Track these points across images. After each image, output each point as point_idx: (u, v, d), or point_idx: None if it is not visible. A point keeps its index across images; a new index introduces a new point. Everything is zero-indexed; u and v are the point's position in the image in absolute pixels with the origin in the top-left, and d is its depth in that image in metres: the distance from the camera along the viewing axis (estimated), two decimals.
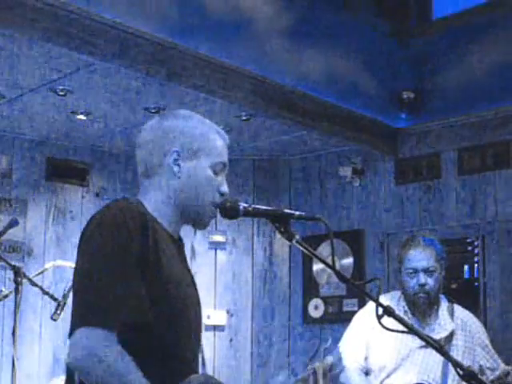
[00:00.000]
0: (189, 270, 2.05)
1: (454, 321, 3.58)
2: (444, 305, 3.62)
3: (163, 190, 2.00)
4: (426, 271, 3.51)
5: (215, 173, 2.03)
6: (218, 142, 2.05)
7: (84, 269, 1.83)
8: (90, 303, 1.78)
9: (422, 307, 3.53)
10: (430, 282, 3.51)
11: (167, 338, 1.87)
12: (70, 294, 3.95)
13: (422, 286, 3.50)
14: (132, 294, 1.79)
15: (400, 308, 3.54)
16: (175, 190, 1.99)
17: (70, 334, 1.78)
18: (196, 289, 2.05)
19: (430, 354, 3.42)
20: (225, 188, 2.04)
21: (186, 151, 2.00)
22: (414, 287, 3.51)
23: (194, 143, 2.01)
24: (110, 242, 1.81)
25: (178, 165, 1.99)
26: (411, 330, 1.89)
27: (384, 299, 3.41)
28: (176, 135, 2.01)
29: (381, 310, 1.88)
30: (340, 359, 2.38)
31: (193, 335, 1.97)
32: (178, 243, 2.04)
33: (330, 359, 2.35)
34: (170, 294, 1.88)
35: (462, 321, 3.60)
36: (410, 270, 3.52)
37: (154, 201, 1.99)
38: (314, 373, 2.25)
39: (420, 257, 3.51)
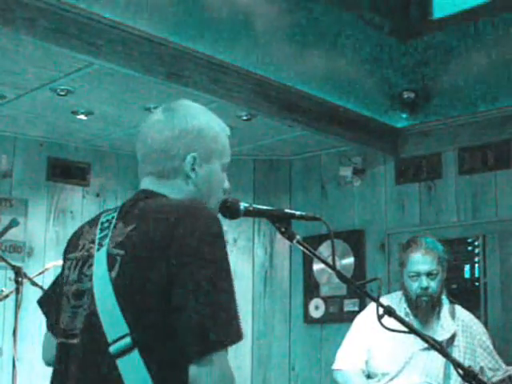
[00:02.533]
0: None
1: (456, 322, 3.56)
2: (445, 306, 3.59)
3: (177, 194, 1.93)
4: (429, 275, 3.48)
5: (222, 172, 2.00)
6: (227, 140, 2.02)
7: (216, 282, 1.69)
8: (228, 322, 1.67)
9: (424, 310, 3.50)
10: (433, 284, 3.49)
11: None
12: None
13: (425, 289, 3.47)
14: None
15: (401, 309, 3.52)
16: (191, 195, 1.94)
17: (199, 354, 1.64)
18: None
19: (432, 357, 3.40)
20: (227, 184, 2.02)
21: (203, 155, 1.95)
22: (416, 290, 3.49)
23: (208, 146, 1.96)
24: (226, 252, 1.75)
25: (194, 169, 1.94)
26: (412, 331, 1.89)
27: (385, 300, 3.38)
28: (192, 138, 1.95)
29: (381, 310, 1.88)
30: None
31: None
32: None
33: None
34: None
35: (464, 322, 3.58)
36: (413, 274, 3.49)
37: None
38: None
39: (423, 260, 3.48)
